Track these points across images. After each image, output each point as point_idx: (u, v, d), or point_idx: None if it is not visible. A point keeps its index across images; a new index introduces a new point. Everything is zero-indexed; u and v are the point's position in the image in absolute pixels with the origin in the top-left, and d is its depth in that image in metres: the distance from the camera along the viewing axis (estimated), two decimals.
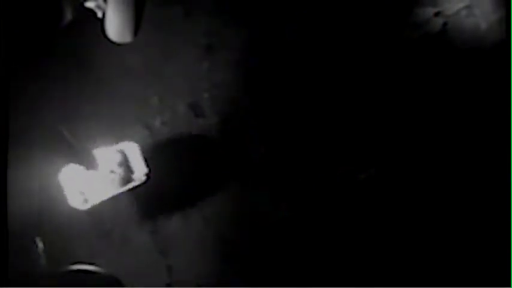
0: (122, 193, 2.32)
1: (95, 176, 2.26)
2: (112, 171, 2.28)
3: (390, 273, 2.44)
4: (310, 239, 2.46)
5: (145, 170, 2.31)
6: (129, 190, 2.32)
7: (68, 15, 2.29)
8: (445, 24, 2.47)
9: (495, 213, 2.41)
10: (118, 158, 2.30)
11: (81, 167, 2.27)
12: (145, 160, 2.31)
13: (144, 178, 2.31)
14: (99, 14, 2.21)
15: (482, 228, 2.43)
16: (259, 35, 2.50)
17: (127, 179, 2.30)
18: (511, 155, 2.38)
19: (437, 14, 2.47)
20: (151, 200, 2.46)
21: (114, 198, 2.46)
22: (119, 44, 2.21)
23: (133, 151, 2.33)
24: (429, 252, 2.43)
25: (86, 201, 2.27)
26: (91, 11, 2.21)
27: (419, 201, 2.45)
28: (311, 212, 2.46)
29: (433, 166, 2.47)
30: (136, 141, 2.36)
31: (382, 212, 2.45)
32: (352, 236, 2.45)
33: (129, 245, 2.50)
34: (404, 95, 2.48)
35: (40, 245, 2.50)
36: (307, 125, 2.48)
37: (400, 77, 2.47)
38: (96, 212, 2.52)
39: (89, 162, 2.28)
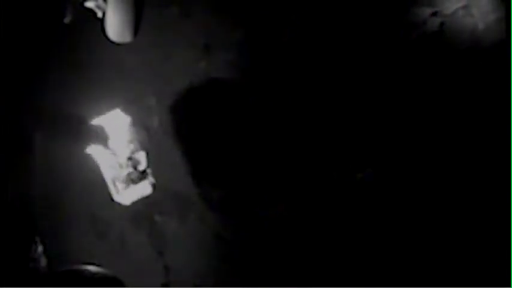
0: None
1: (116, 146, 2.16)
2: (129, 159, 2.22)
3: (389, 273, 2.42)
4: (308, 239, 2.45)
5: (128, 202, 2.21)
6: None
7: (68, 15, 2.33)
8: (442, 24, 2.48)
9: (495, 213, 2.39)
10: (141, 166, 2.25)
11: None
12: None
13: (119, 201, 2.22)
14: (99, 14, 2.23)
15: (482, 228, 2.40)
16: (258, 35, 2.52)
17: (117, 182, 2.26)
18: (511, 156, 2.36)
19: (434, 14, 2.47)
20: (148, 200, 2.46)
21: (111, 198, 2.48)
22: (118, 44, 2.25)
23: (145, 189, 2.21)
24: (429, 252, 2.41)
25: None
26: (91, 11, 2.24)
27: (417, 201, 2.44)
28: (308, 211, 2.46)
29: (431, 166, 2.45)
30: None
31: (380, 212, 2.44)
32: (350, 235, 2.44)
33: (126, 245, 2.51)
34: (401, 95, 2.47)
35: (40, 245, 2.51)
36: (305, 124, 2.49)
37: (397, 77, 2.47)
38: (93, 212, 2.54)
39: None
